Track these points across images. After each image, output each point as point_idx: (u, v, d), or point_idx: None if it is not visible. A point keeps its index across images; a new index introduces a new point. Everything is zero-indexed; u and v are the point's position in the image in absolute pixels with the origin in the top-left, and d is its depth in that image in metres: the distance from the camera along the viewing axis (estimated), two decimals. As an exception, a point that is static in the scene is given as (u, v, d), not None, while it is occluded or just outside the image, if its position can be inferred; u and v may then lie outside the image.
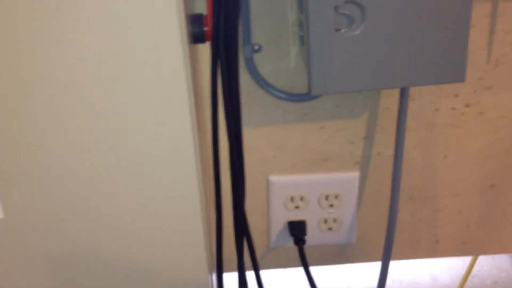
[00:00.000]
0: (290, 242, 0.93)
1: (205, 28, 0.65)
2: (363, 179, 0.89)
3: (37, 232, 0.67)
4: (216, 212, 0.74)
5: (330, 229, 0.92)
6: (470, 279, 1.11)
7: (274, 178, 0.87)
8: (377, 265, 0.88)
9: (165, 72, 0.58)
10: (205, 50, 0.77)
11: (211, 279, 0.76)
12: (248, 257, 0.77)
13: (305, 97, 0.81)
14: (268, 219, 0.92)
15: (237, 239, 0.75)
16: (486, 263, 1.15)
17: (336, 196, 0.89)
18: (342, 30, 0.64)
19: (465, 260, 1.12)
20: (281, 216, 0.91)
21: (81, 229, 0.67)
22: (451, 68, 0.66)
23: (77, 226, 0.67)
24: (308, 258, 0.96)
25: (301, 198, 0.89)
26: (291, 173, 0.88)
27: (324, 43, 0.64)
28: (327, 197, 0.89)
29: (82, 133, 0.61)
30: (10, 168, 0.62)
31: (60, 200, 0.65)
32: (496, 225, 0.95)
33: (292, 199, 0.89)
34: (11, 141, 0.61)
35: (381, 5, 0.63)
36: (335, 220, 0.91)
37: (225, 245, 0.91)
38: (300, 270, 0.88)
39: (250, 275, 0.80)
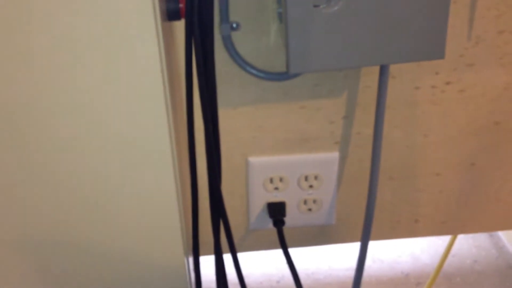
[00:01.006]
0: (269, 224, 0.92)
1: (181, 5, 0.63)
2: (343, 159, 0.88)
3: (12, 216, 0.65)
4: (192, 194, 0.73)
5: (309, 210, 0.91)
6: (450, 258, 1.11)
7: (253, 159, 0.86)
8: (357, 246, 0.88)
9: (137, 50, 0.56)
10: (182, 28, 0.75)
11: (188, 262, 0.75)
12: (226, 240, 0.76)
13: (285, 76, 0.79)
14: (247, 200, 0.91)
15: (213, 221, 0.74)
16: (466, 242, 1.15)
17: (316, 177, 0.88)
18: (321, 6, 0.62)
19: (445, 240, 1.12)
20: (260, 198, 0.90)
21: (52, 211, 0.65)
22: (430, 45, 0.66)
23: (48, 208, 0.65)
24: (288, 239, 0.95)
25: (281, 179, 0.88)
26: (271, 154, 0.86)
27: (302, 20, 0.63)
28: (306, 178, 0.88)
29: (54, 111, 0.59)
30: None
31: (32, 184, 0.63)
32: (476, 204, 0.94)
33: (271, 180, 0.88)
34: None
35: (360, -20, 0.61)
36: (314, 201, 0.90)
37: (202, 227, 0.90)
38: (280, 252, 0.87)
39: (228, 258, 0.79)
